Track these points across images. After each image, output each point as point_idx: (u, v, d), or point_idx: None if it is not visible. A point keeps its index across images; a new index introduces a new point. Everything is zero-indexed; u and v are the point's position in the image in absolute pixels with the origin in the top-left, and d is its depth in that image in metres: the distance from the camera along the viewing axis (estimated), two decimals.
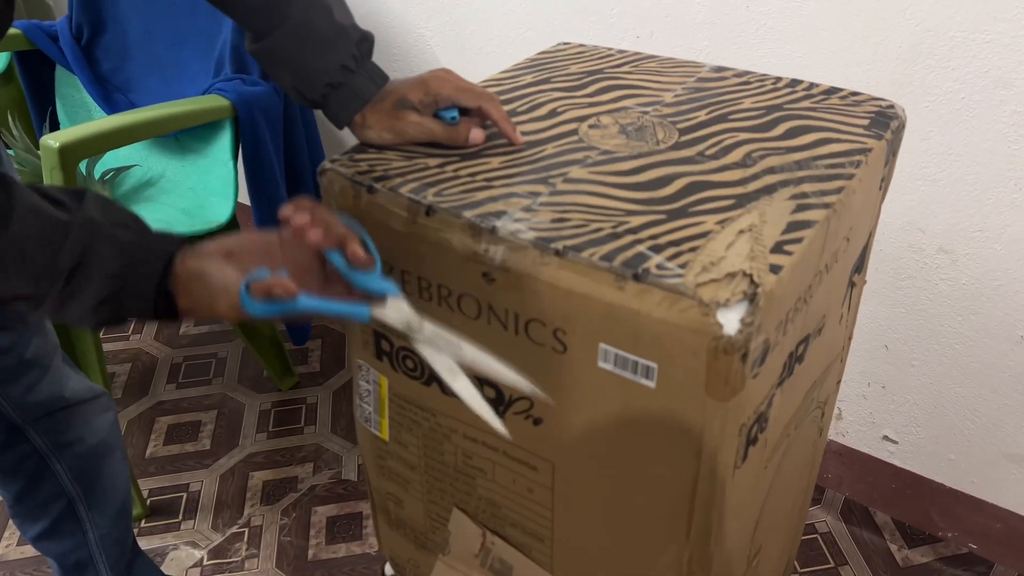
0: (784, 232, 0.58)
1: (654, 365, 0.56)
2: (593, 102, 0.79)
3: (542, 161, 0.68)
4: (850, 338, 0.89)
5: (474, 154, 0.70)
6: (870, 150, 0.69)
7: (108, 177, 1.37)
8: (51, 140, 1.03)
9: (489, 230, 0.59)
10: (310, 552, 1.30)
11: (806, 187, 0.64)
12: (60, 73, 1.52)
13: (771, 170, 0.66)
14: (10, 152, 1.32)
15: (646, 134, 0.72)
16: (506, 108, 0.77)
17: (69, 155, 1.04)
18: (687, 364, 0.54)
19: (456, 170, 0.67)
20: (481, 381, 0.67)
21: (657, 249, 0.56)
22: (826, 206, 0.61)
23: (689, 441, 0.58)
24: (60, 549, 1.00)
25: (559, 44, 0.95)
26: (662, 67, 0.87)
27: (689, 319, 0.53)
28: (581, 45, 0.94)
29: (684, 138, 0.71)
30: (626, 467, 0.63)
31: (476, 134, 0.70)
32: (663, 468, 0.61)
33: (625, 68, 0.87)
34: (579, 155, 0.69)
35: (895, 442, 1.26)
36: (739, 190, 0.63)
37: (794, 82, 0.82)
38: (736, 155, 0.68)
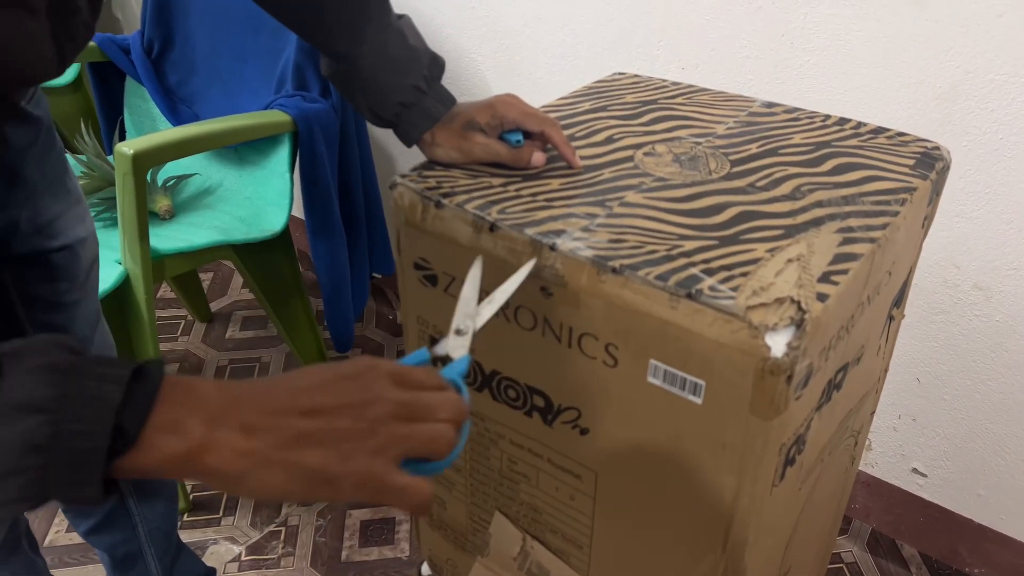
0: (831, 263, 0.61)
1: (702, 382, 0.59)
2: (648, 131, 0.83)
3: (599, 185, 0.72)
4: (886, 370, 0.91)
5: (536, 176, 0.74)
6: (915, 189, 0.72)
7: (170, 184, 1.43)
8: (125, 148, 1.09)
9: (549, 247, 0.63)
10: (343, 553, 1.34)
11: (852, 221, 0.67)
12: (130, 84, 1.59)
13: (819, 204, 0.69)
14: (81, 157, 1.38)
15: (699, 164, 0.76)
16: (565, 133, 0.81)
17: (141, 162, 1.10)
18: (734, 383, 0.57)
19: (518, 190, 0.71)
20: (531, 390, 0.71)
21: (710, 272, 0.59)
22: (871, 240, 0.64)
23: (731, 457, 0.61)
24: (111, 541, 1.04)
25: (615, 74, 0.99)
26: (714, 100, 0.90)
27: (739, 340, 0.56)
28: (636, 75, 0.98)
29: (736, 169, 0.75)
30: (668, 479, 0.66)
31: (538, 157, 0.74)
32: (704, 482, 0.64)
33: (679, 100, 0.90)
34: (635, 181, 0.72)
35: (924, 475, 1.27)
36: (788, 221, 0.66)
37: (842, 120, 0.85)
38: (785, 188, 0.72)
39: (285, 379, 0.44)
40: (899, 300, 0.84)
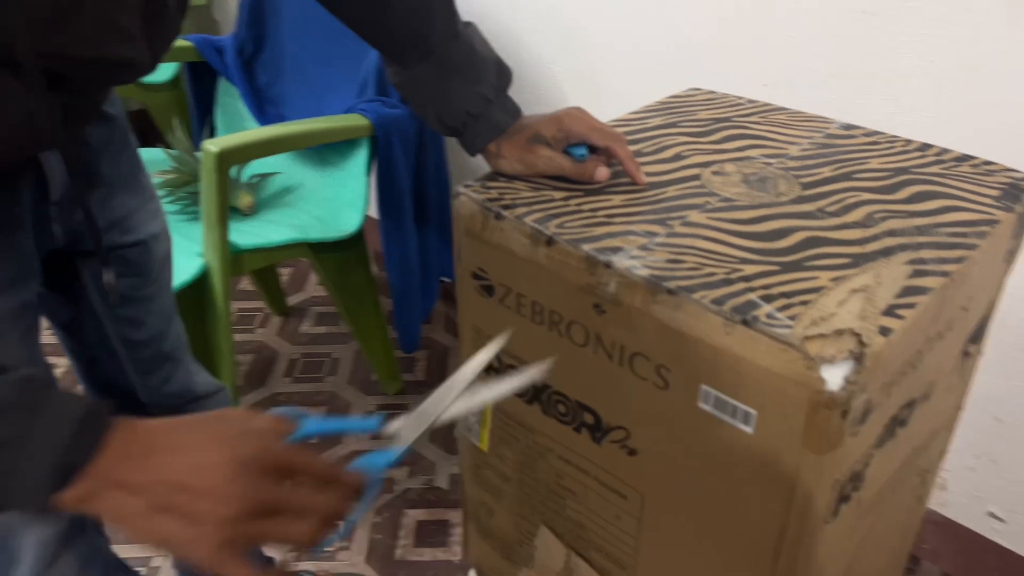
0: (898, 296, 0.59)
1: (754, 412, 0.58)
2: (718, 149, 0.81)
3: (663, 203, 0.71)
4: (960, 408, 0.87)
5: (598, 191, 0.73)
6: (997, 222, 0.69)
7: (254, 181, 1.48)
8: (212, 145, 1.13)
9: (605, 264, 0.63)
10: (397, 552, 1.35)
11: (925, 253, 0.64)
12: (222, 84, 1.66)
13: (891, 233, 0.67)
14: (172, 152, 1.45)
15: (768, 185, 0.74)
16: (632, 148, 0.80)
17: (225, 159, 1.15)
18: (787, 414, 0.56)
19: (579, 204, 0.71)
20: (581, 406, 0.70)
21: (768, 299, 0.58)
22: (944, 274, 0.62)
23: (781, 489, 0.59)
24: None
25: (690, 89, 0.98)
26: (791, 120, 0.88)
27: (793, 371, 0.54)
28: (711, 92, 0.96)
29: (806, 192, 0.73)
30: (716, 507, 0.64)
31: (602, 172, 0.74)
32: (753, 512, 0.62)
33: (753, 118, 0.88)
34: (699, 200, 0.71)
35: (1002, 520, 1.20)
36: (856, 249, 0.64)
37: (925, 146, 0.82)
38: (857, 214, 0.69)
39: (182, 442, 0.49)
40: (977, 336, 0.80)
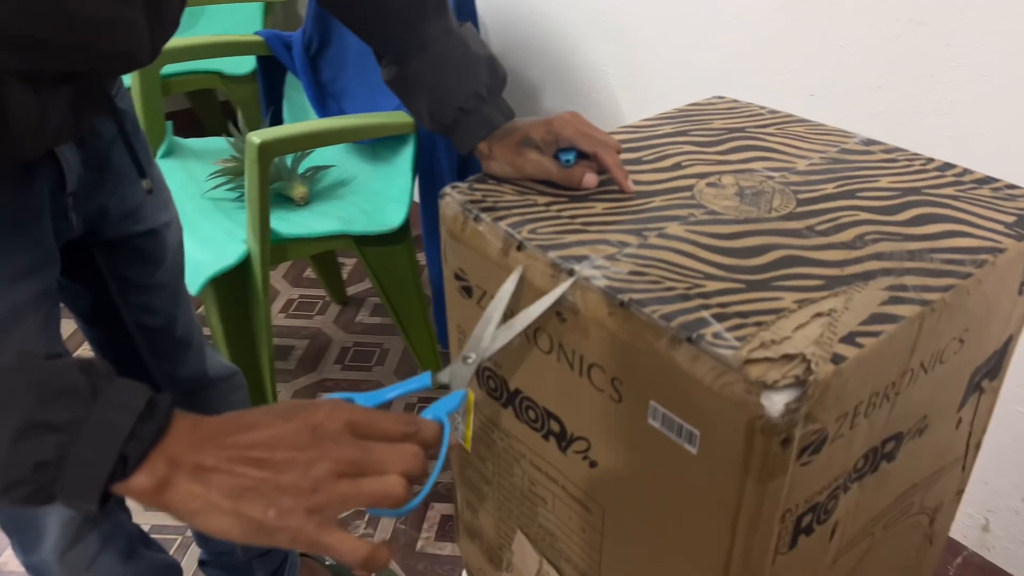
0: (863, 323, 0.56)
1: (697, 432, 0.56)
2: (722, 160, 0.79)
3: (645, 213, 0.70)
4: (977, 446, 0.81)
5: (583, 197, 0.72)
6: (1003, 250, 0.64)
7: (308, 174, 1.53)
8: (254, 137, 1.18)
9: (567, 272, 0.62)
10: (419, 544, 1.38)
11: (909, 279, 0.60)
12: (290, 77, 1.72)
13: (879, 256, 0.63)
14: (231, 140, 1.51)
15: (761, 200, 0.71)
16: (633, 156, 0.79)
17: (267, 151, 1.19)
18: (727, 438, 0.54)
19: (560, 210, 0.70)
20: (548, 413, 0.70)
21: (722, 318, 0.56)
22: (923, 303, 0.58)
23: (725, 515, 0.57)
24: None
25: (713, 97, 0.95)
26: (809, 132, 0.84)
27: (733, 393, 0.52)
28: (735, 101, 0.94)
29: (800, 209, 0.70)
30: (667, 526, 0.63)
31: (589, 179, 0.73)
32: (700, 536, 0.60)
33: (770, 129, 0.85)
34: (683, 212, 0.69)
35: None
36: (834, 271, 0.61)
37: (946, 166, 0.77)
38: (847, 235, 0.66)
39: (249, 425, 0.47)
40: (993, 372, 0.75)
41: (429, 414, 0.54)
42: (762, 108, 0.91)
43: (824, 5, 1.09)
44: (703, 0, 1.25)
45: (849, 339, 0.54)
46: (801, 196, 0.72)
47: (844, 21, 1.08)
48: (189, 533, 1.39)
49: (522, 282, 0.65)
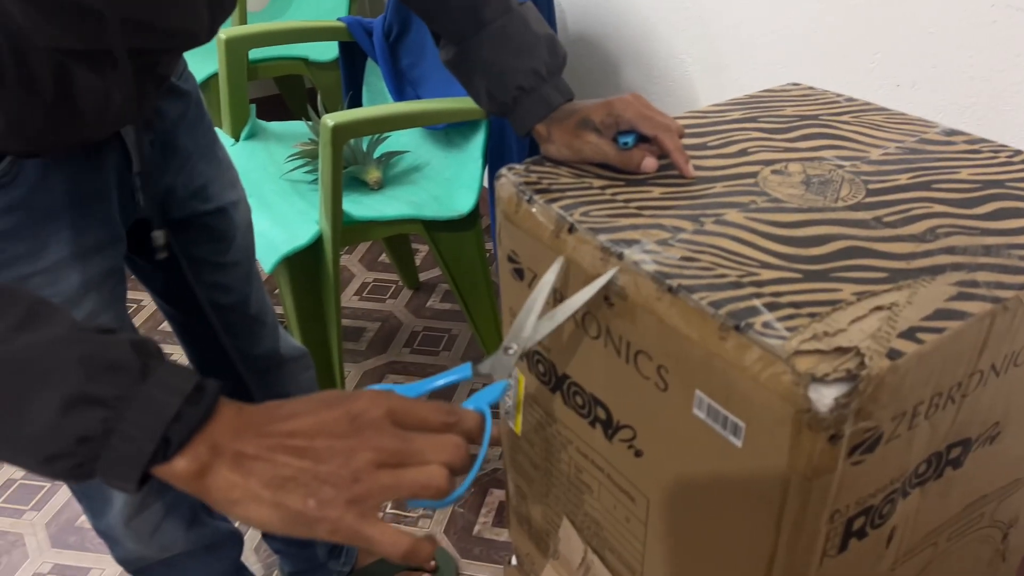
0: (926, 318, 0.53)
1: (742, 424, 0.54)
2: (791, 147, 0.76)
3: (704, 199, 0.68)
4: None
5: (641, 181, 0.71)
6: None
7: (383, 159, 1.56)
8: (328, 120, 1.20)
9: (617, 255, 0.61)
10: (476, 528, 1.38)
11: (981, 275, 0.57)
12: (370, 63, 1.75)
13: (950, 250, 0.59)
14: (310, 124, 1.55)
15: (828, 189, 0.68)
16: (698, 141, 0.77)
17: (340, 133, 1.21)
18: (773, 431, 0.52)
19: (615, 194, 0.69)
20: (595, 400, 0.69)
21: (773, 307, 0.54)
22: (995, 300, 0.54)
23: (768, 511, 0.55)
24: None
25: (788, 84, 0.92)
26: (887, 121, 0.80)
27: (780, 385, 0.50)
28: (811, 88, 0.90)
29: (868, 199, 0.66)
30: (710, 520, 0.61)
31: (649, 162, 0.71)
32: (743, 531, 0.58)
33: (844, 117, 0.82)
34: (744, 199, 0.67)
35: None
36: (900, 264, 0.58)
37: None
38: (918, 227, 0.62)
39: (289, 414, 0.46)
40: None
41: (471, 404, 0.53)
42: (838, 96, 0.87)
43: None
44: None
45: (909, 334, 0.51)
46: (871, 186, 0.68)
47: (936, 6, 1.02)
48: None
49: (571, 266, 0.64)
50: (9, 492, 1.47)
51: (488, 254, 1.59)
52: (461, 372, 0.56)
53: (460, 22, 0.74)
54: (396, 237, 1.92)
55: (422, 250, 2.19)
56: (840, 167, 0.72)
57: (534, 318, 0.61)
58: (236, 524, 1.12)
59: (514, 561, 0.97)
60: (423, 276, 2.10)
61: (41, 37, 0.59)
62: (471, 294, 1.58)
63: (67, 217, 0.72)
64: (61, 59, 0.62)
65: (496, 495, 1.45)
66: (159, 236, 0.80)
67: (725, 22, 1.33)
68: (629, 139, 0.71)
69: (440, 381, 0.54)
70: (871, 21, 1.11)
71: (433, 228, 1.45)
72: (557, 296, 0.65)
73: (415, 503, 0.45)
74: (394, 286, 2.07)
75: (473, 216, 1.46)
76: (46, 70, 0.61)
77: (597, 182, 0.71)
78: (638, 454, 0.66)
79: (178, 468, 0.43)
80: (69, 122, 0.66)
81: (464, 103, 1.33)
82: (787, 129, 0.79)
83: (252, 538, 1.36)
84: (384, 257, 2.18)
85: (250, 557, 1.34)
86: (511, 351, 0.59)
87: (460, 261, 1.53)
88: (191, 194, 0.82)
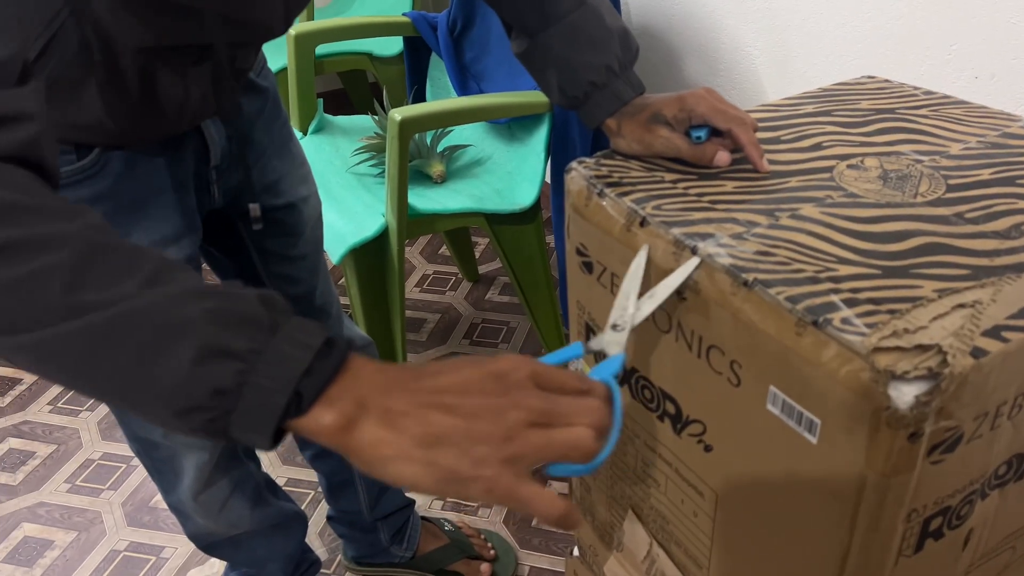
0: (1012, 317, 0.52)
1: (818, 420, 0.53)
2: (867, 142, 0.75)
3: (779, 193, 0.67)
4: None
5: (713, 175, 0.71)
6: None
7: (446, 152, 1.57)
8: (396, 114, 1.22)
9: (690, 249, 0.61)
10: (534, 519, 1.39)
11: None
12: (434, 59, 1.77)
13: None
14: (376, 118, 1.57)
15: (906, 184, 0.67)
16: (770, 135, 0.76)
17: (407, 127, 1.23)
18: (850, 428, 0.51)
19: (687, 188, 0.69)
20: (664, 394, 0.69)
21: (852, 303, 0.53)
22: None
23: (843, 509, 0.54)
24: (329, 468, 1.16)
25: (863, 77, 0.90)
26: (967, 115, 0.78)
27: (858, 382, 0.50)
28: (886, 81, 0.88)
29: (949, 195, 0.65)
30: (782, 516, 0.61)
31: (722, 156, 0.71)
32: (818, 530, 0.58)
33: (922, 111, 0.80)
34: (820, 193, 0.66)
35: None
36: (983, 262, 0.57)
37: None
38: (1002, 223, 0.61)
39: (435, 372, 0.45)
40: None
41: (595, 375, 0.53)
42: (916, 89, 0.85)
43: None
44: None
45: (994, 333, 0.50)
46: (952, 181, 0.67)
47: None
48: (320, 488, 1.47)
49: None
50: (88, 472, 1.53)
51: (547, 247, 1.59)
52: (572, 351, 0.55)
53: (533, 16, 0.74)
54: (457, 230, 1.94)
55: (481, 243, 2.21)
56: (919, 162, 0.70)
57: (634, 298, 0.61)
58: (302, 507, 1.15)
59: (576, 552, 0.98)
60: (482, 269, 2.12)
61: (131, 37, 0.62)
62: (531, 287, 1.59)
63: (150, 207, 0.75)
64: (147, 58, 0.64)
65: (555, 487, 1.45)
66: (255, 208, 0.82)
67: (794, 14, 1.31)
68: (702, 133, 0.71)
69: (551, 359, 0.53)
70: (947, 11, 1.08)
71: (494, 221, 1.46)
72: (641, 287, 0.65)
73: (558, 469, 0.44)
74: (454, 278, 2.09)
75: (534, 210, 1.47)
76: (132, 69, 0.64)
77: (668, 176, 0.71)
78: (707, 449, 0.66)
79: (324, 422, 0.42)
80: (152, 117, 0.69)
81: (528, 97, 1.34)
82: (863, 123, 0.78)
83: (316, 523, 1.39)
84: (444, 249, 2.20)
85: (314, 541, 1.37)
86: (619, 327, 0.59)
87: (520, 254, 1.54)
88: (263, 188, 0.85)
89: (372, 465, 0.42)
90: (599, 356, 0.58)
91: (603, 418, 0.45)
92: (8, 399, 1.71)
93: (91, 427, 1.63)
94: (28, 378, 1.77)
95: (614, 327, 0.60)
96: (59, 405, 1.69)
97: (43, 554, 1.37)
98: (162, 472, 0.94)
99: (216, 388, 0.41)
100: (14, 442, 1.60)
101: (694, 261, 0.60)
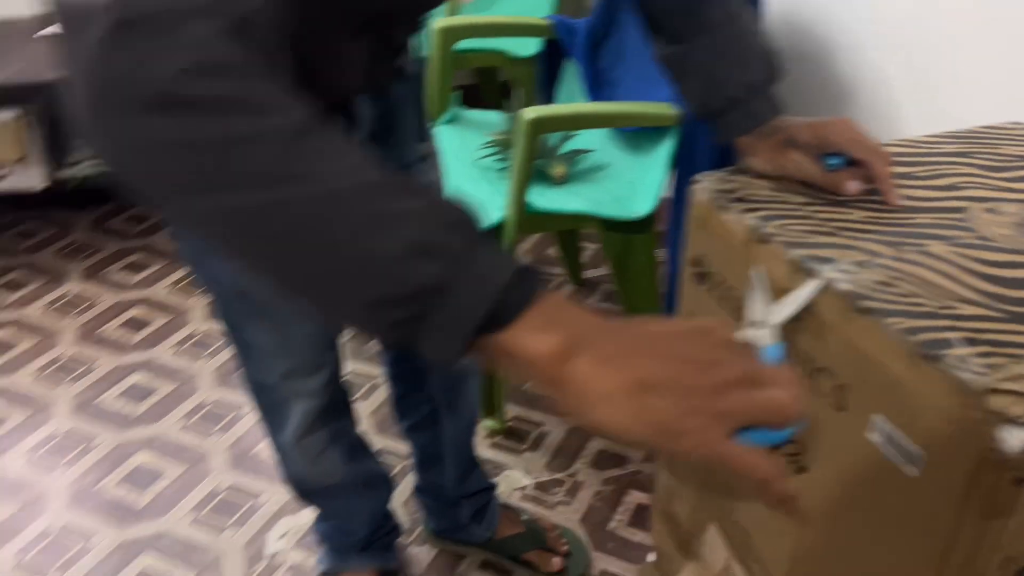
0: None
1: (921, 453, 0.54)
2: (1007, 187, 0.73)
3: (906, 227, 0.67)
4: None
5: (841, 203, 0.71)
6: None
7: (569, 155, 1.61)
8: (528, 112, 1.27)
9: (807, 271, 0.62)
10: (611, 524, 1.41)
11: None
12: (567, 64, 1.81)
13: None
14: (506, 115, 1.62)
15: None
16: (905, 170, 0.76)
17: (537, 126, 1.27)
18: (954, 465, 0.51)
19: (814, 212, 0.69)
20: None
21: (972, 342, 0.53)
22: None
23: (935, 546, 0.54)
24: (422, 440, 1.21)
25: (1012, 122, 0.88)
26: None
27: (968, 420, 0.50)
28: None
29: None
30: (870, 545, 0.61)
31: (853, 186, 0.71)
32: (904, 562, 0.58)
33: None
34: (950, 232, 0.66)
35: None
36: None
37: None
38: None
39: (639, 323, 0.44)
40: None
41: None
42: None
43: None
44: (1010, 18, 1.14)
45: None
46: None
47: None
48: (412, 460, 1.53)
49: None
50: (201, 413, 1.64)
51: (656, 261, 1.60)
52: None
53: (683, 22, 0.76)
54: (567, 232, 1.97)
55: (589, 248, 2.23)
56: None
57: (765, 304, 0.62)
58: (394, 470, 1.21)
59: (651, 557, 0.99)
60: (587, 274, 2.14)
61: (309, 6, 0.67)
62: (636, 297, 1.60)
63: None
64: (311, 27, 0.68)
65: (634, 496, 1.46)
66: None
67: (940, 54, 1.28)
68: (837, 161, 0.72)
69: None
70: None
71: (608, 227, 1.48)
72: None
73: (754, 436, 0.42)
74: (558, 280, 2.12)
75: (649, 220, 1.48)
76: (298, 37, 0.68)
77: (796, 198, 0.72)
78: (801, 470, 0.67)
79: (539, 347, 0.41)
80: (305, 87, 0.74)
81: (658, 108, 1.35)
82: (1003, 168, 0.77)
83: (402, 492, 1.45)
84: (551, 251, 2.23)
85: (398, 510, 1.43)
86: (760, 324, 0.59)
87: (630, 263, 1.55)
88: (398, 170, 0.90)
89: (580, 402, 0.41)
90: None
91: (796, 387, 0.43)
92: (139, 336, 1.85)
93: (208, 373, 1.75)
94: (159, 319, 1.90)
95: (753, 324, 0.60)
96: (183, 348, 1.82)
97: (153, 482, 1.48)
98: (271, 415, 1.01)
99: (420, 285, 0.40)
100: (140, 377, 1.73)
101: (818, 282, 0.61)
